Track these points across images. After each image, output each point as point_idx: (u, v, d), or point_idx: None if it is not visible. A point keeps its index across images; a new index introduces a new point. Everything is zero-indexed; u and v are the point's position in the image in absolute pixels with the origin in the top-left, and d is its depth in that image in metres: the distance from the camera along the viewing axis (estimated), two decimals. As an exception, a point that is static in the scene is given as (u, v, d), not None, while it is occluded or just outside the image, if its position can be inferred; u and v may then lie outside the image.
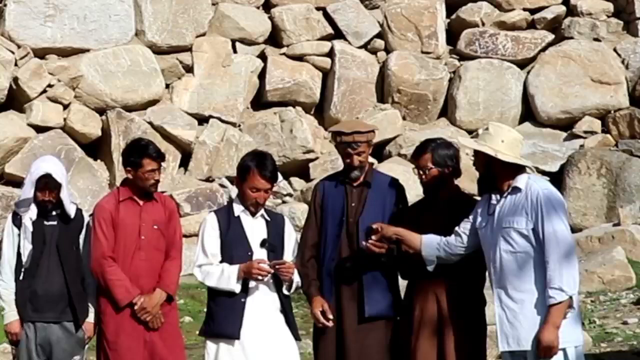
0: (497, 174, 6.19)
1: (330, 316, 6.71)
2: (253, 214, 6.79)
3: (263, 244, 6.73)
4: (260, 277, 6.64)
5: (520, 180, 6.16)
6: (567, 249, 6.03)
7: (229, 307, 6.68)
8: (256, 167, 6.71)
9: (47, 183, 6.87)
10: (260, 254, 6.71)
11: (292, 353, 6.77)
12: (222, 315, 6.69)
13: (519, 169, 6.20)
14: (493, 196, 6.24)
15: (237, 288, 6.65)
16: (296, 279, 6.75)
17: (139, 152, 6.97)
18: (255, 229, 6.79)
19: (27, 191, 6.92)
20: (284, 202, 14.58)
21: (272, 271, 6.64)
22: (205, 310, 7.05)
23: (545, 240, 6.01)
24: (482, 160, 6.22)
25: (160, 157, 7.01)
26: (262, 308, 6.71)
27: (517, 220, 6.08)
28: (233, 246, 6.74)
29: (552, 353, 5.99)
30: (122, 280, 6.89)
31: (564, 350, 6.05)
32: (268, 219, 6.85)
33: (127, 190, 7.03)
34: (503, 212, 6.14)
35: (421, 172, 6.63)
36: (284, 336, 6.76)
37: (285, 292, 6.77)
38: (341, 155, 6.87)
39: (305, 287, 6.84)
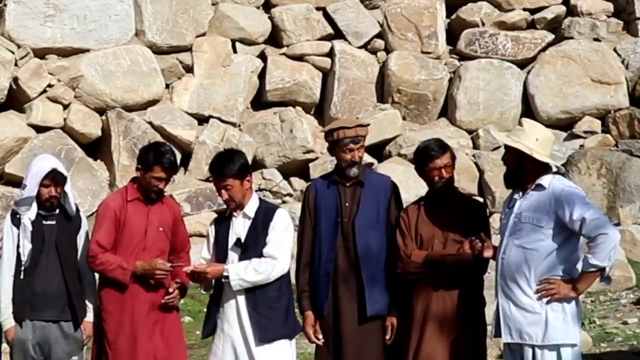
0: (527, 171, 6.23)
1: (320, 336, 6.77)
2: (235, 211, 6.76)
3: (236, 243, 6.73)
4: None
5: (545, 179, 6.20)
6: (602, 223, 6.03)
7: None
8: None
9: (54, 177, 6.88)
10: (232, 254, 6.71)
11: (289, 352, 6.77)
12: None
13: (547, 168, 6.25)
14: (516, 192, 6.29)
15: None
16: (235, 274, 6.62)
17: (155, 156, 6.91)
18: (238, 229, 6.75)
19: (31, 189, 6.90)
20: (284, 202, 14.59)
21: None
22: (205, 310, 7.06)
23: (579, 224, 6.01)
24: (515, 156, 6.26)
25: (172, 169, 6.97)
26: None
27: (537, 218, 6.12)
28: (218, 247, 6.78)
29: (548, 295, 6.08)
30: (114, 262, 6.84)
31: (557, 347, 6.08)
32: (252, 216, 6.75)
33: (136, 190, 7.01)
34: (524, 207, 6.19)
35: (440, 172, 6.56)
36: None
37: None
38: (338, 153, 6.76)
39: (297, 296, 6.89)
